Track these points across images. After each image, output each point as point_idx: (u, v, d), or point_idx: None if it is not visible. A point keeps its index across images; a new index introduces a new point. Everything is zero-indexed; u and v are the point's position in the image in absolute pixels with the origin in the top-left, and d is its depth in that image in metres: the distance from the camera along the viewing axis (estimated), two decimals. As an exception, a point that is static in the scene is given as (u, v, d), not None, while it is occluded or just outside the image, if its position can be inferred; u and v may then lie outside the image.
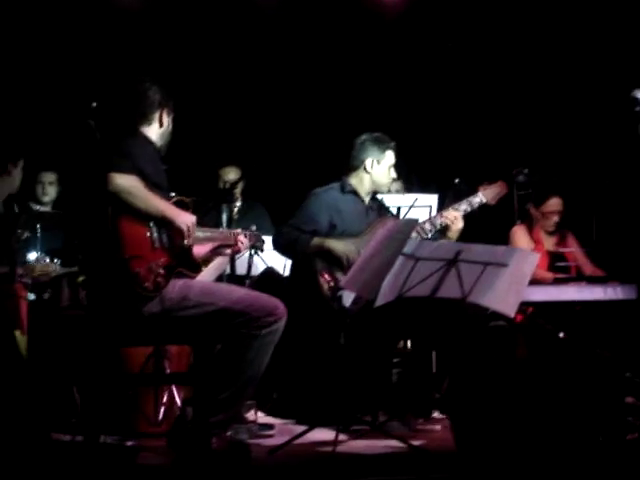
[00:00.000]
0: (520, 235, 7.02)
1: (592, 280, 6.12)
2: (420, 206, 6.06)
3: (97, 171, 4.54)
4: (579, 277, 6.52)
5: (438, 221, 5.70)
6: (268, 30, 8.01)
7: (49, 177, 7.46)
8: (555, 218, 7.00)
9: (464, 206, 5.77)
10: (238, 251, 5.13)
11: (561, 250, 6.94)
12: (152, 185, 4.63)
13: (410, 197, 6.23)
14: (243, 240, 5.03)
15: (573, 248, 6.99)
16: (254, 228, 5.30)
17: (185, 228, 4.63)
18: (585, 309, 5.99)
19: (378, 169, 5.81)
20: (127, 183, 4.50)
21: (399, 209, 6.10)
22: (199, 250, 4.90)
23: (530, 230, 7.04)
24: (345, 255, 5.52)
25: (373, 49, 8.17)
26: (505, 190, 5.94)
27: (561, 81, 7.87)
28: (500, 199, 5.93)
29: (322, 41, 8.09)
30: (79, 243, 4.91)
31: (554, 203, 6.99)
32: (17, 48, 7.61)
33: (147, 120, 4.84)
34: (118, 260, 4.44)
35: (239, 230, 5.13)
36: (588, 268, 6.84)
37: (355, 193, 5.84)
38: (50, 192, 7.46)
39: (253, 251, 5.64)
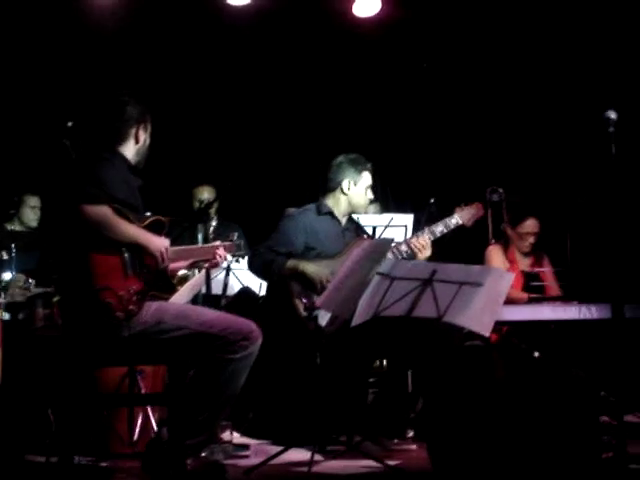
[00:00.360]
0: (495, 255, 7.04)
1: (566, 300, 6.14)
2: (395, 226, 6.06)
3: (69, 201, 4.51)
4: (554, 297, 6.54)
5: (404, 248, 5.68)
6: (244, 50, 8.03)
7: (35, 201, 7.44)
8: (531, 239, 7.03)
9: (440, 227, 5.77)
10: (216, 265, 5.08)
11: (535, 270, 6.96)
12: (126, 208, 4.61)
13: (385, 217, 6.24)
14: (221, 253, 4.98)
15: (546, 269, 7.02)
16: (235, 237, 5.25)
17: (158, 254, 4.60)
18: (560, 328, 6.02)
19: (355, 190, 5.81)
20: (98, 215, 4.45)
21: (374, 229, 6.10)
22: (176, 266, 4.89)
23: (505, 250, 7.06)
24: (318, 278, 5.51)
25: (349, 70, 8.20)
26: (481, 212, 5.96)
27: (536, 101, 7.92)
28: (476, 221, 5.94)
29: (298, 62, 8.11)
30: (54, 263, 4.89)
31: (530, 224, 7.03)
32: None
33: (122, 137, 4.81)
34: (89, 291, 4.43)
35: (217, 242, 5.09)
36: (553, 291, 6.85)
37: (331, 214, 5.83)
38: (38, 215, 7.44)
39: (234, 260, 5.59)
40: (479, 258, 7.02)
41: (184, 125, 7.99)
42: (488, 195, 6.54)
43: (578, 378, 5.29)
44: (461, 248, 6.91)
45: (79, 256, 4.47)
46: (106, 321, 4.44)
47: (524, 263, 7.07)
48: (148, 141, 4.90)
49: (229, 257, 5.70)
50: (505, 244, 7.08)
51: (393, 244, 5.55)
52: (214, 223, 7.51)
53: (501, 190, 6.49)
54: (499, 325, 5.85)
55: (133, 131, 4.82)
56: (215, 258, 4.97)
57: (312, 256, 5.63)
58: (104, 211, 4.48)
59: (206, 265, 5.10)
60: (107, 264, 4.49)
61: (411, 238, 5.76)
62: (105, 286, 4.42)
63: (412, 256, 5.74)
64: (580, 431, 4.60)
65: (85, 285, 4.44)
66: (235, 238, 5.21)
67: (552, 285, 6.89)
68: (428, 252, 5.70)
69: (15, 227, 7.37)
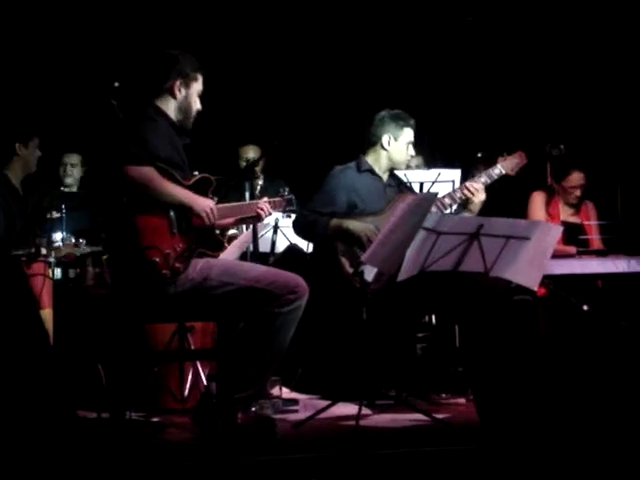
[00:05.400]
0: (536, 202, 6.90)
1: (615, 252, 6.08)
2: (443, 181, 6.03)
3: (113, 162, 4.55)
4: (602, 250, 6.44)
5: (458, 194, 5.65)
6: (286, 7, 8.00)
7: (72, 159, 7.51)
8: (577, 192, 6.84)
9: (483, 178, 5.68)
10: (260, 219, 5.03)
11: (571, 221, 6.79)
12: (172, 167, 4.63)
13: (433, 172, 6.21)
14: (263, 207, 4.94)
15: (591, 220, 6.89)
16: (286, 192, 5.18)
17: (204, 214, 4.62)
18: (609, 282, 5.98)
19: (395, 146, 5.73)
20: (141, 175, 4.49)
21: (422, 184, 6.08)
22: (224, 222, 4.88)
23: (549, 200, 6.91)
24: (364, 234, 5.49)
25: (395, 26, 8.15)
26: (525, 160, 5.83)
27: (582, 52, 7.82)
28: (520, 169, 5.85)
29: (343, 17, 8.07)
30: (102, 221, 4.94)
31: (576, 177, 6.82)
32: (39, 30, 7.65)
33: (157, 91, 4.78)
34: (135, 249, 4.49)
35: (265, 199, 5.04)
36: (597, 243, 6.73)
37: (372, 171, 5.78)
38: (74, 173, 7.50)
39: (285, 215, 5.53)
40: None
41: (229, 85, 7.99)
42: (548, 149, 6.47)
43: (628, 331, 5.28)
44: (516, 203, 6.91)
45: (125, 216, 4.52)
46: (153, 279, 4.49)
47: (567, 213, 6.93)
48: (192, 99, 4.83)
49: (278, 214, 5.71)
50: (550, 193, 6.94)
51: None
52: (260, 181, 7.60)
53: (562, 146, 6.41)
54: (547, 279, 5.80)
55: (168, 85, 4.77)
56: (259, 215, 4.96)
57: (355, 214, 5.62)
58: (147, 172, 4.51)
59: (252, 222, 5.10)
60: (153, 223, 4.53)
61: (456, 189, 5.71)
62: (150, 245, 4.47)
63: (459, 210, 5.71)
64: (629, 384, 4.59)
65: (131, 244, 4.50)
66: (286, 193, 5.17)
67: (595, 238, 6.75)
68: (482, 195, 5.62)
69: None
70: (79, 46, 7.75)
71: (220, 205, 4.79)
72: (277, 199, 5.11)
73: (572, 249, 6.39)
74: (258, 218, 5.01)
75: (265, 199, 5.07)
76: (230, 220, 4.97)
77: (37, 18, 7.61)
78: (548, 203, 6.91)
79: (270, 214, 5.05)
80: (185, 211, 4.61)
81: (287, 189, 5.21)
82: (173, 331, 5.57)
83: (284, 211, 5.27)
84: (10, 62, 7.48)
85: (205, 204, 4.65)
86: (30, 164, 6.31)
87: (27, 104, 7.39)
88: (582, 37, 7.79)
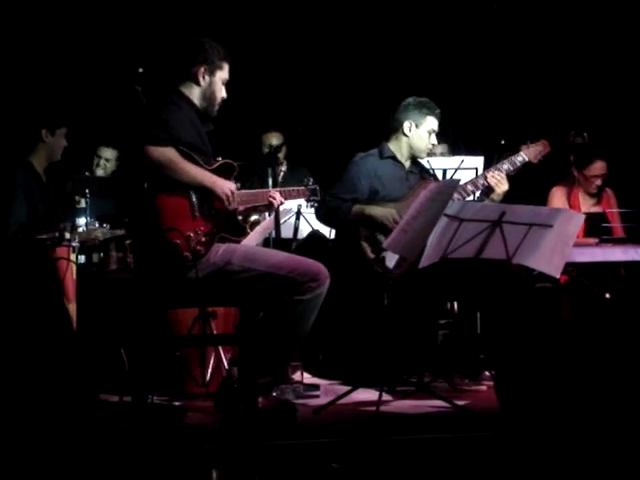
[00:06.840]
0: (556, 197, 6.89)
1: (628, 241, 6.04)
2: (466, 168, 6.01)
3: (135, 143, 4.58)
4: (623, 238, 6.38)
5: (481, 182, 5.64)
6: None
7: (108, 153, 7.51)
8: (598, 182, 6.82)
9: (506, 165, 5.67)
10: (271, 206, 5.03)
11: (593, 211, 6.74)
12: (194, 151, 4.65)
13: (456, 159, 6.21)
14: (275, 196, 4.94)
15: (612, 207, 6.84)
16: (311, 182, 5.21)
17: (224, 197, 4.65)
18: (631, 270, 5.96)
19: (416, 133, 5.73)
20: (162, 156, 4.52)
21: (445, 171, 6.07)
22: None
23: (569, 192, 6.90)
24: (386, 219, 5.50)
25: (420, 13, 8.13)
26: (548, 148, 5.83)
27: (606, 39, 7.77)
28: (543, 157, 5.83)
29: (368, 2, 8.05)
30: (125, 206, 4.96)
31: (598, 166, 6.82)
32: (68, 24, 7.68)
33: (182, 76, 4.81)
34: (156, 231, 4.51)
35: (291, 188, 5.09)
36: (619, 231, 6.66)
37: (394, 158, 5.79)
38: (107, 167, 7.51)
39: (309, 205, 5.56)
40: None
41: (252, 71, 7.99)
42: (571, 138, 6.44)
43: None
44: (540, 191, 6.89)
45: (147, 197, 4.54)
46: (174, 261, 4.51)
47: (588, 203, 6.90)
48: (217, 87, 4.85)
49: (301, 201, 5.71)
50: (570, 185, 6.91)
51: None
52: (283, 168, 7.61)
53: (585, 134, 6.38)
54: (569, 267, 5.78)
55: (192, 71, 4.80)
56: (271, 203, 4.94)
57: (378, 200, 5.62)
58: (168, 152, 4.54)
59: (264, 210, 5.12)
60: (174, 205, 4.57)
61: (479, 177, 5.70)
62: (172, 227, 4.49)
63: (482, 198, 5.70)
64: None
65: (153, 226, 4.52)
66: (310, 183, 5.19)
67: (618, 226, 6.71)
68: (505, 186, 5.61)
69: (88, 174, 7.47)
70: (105, 31, 7.77)
71: (239, 191, 4.80)
72: (301, 188, 5.13)
73: (592, 241, 6.35)
74: (270, 206, 5.01)
75: (292, 188, 5.09)
76: (241, 208, 4.94)
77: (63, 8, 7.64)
78: (569, 194, 6.89)
79: (282, 203, 5.03)
80: (207, 194, 4.64)
81: (311, 179, 5.23)
82: (195, 316, 5.59)
83: (308, 201, 5.30)
84: (39, 50, 7.51)
85: (225, 186, 4.68)
86: (55, 152, 6.33)
87: (58, 92, 7.42)
88: (605, 25, 7.75)
